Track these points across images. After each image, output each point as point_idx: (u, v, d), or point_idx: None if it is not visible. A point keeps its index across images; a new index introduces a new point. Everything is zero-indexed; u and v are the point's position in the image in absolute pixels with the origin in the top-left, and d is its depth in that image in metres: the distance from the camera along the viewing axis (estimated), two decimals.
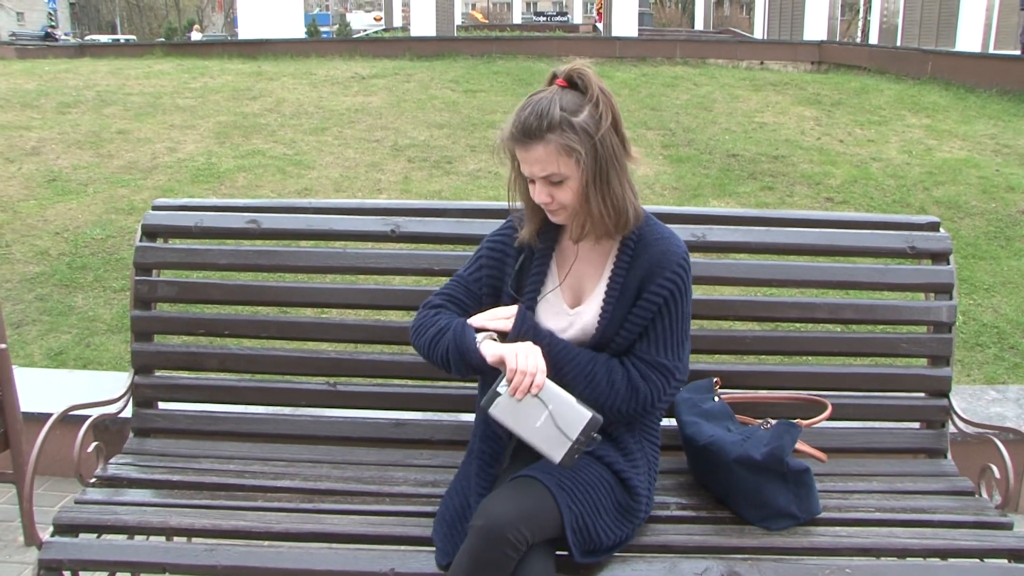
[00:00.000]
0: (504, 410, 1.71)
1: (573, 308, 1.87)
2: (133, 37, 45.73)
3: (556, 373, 1.77)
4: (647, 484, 1.90)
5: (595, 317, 1.84)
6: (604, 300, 1.83)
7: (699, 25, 31.57)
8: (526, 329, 1.80)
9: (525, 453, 1.86)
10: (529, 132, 1.71)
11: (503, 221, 1.97)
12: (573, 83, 1.75)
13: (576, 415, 1.70)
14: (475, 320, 1.83)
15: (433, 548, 1.83)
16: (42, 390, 3.09)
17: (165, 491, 2.09)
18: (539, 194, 1.77)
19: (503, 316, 1.83)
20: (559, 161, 1.72)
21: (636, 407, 1.81)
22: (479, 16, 46.50)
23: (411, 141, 7.53)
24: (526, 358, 1.71)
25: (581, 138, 1.71)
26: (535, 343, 1.77)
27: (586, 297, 1.87)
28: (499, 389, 1.71)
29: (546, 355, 1.75)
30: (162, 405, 2.36)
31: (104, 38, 39.18)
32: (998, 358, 4.10)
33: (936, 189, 6.38)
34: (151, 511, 1.97)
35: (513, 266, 1.89)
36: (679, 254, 1.82)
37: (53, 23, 48.48)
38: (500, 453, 1.88)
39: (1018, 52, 12.38)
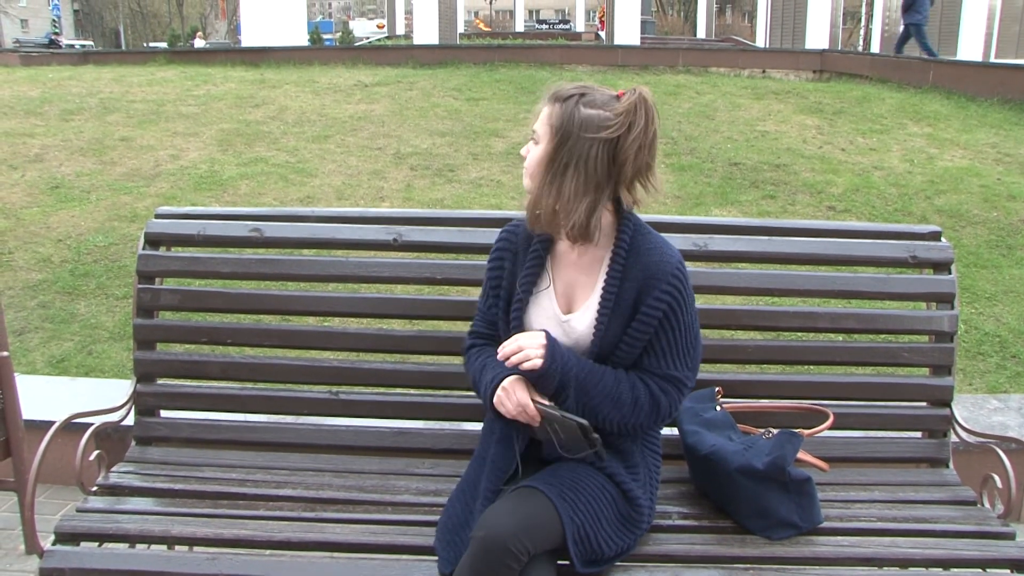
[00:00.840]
0: (542, 438, 1.85)
1: (565, 314, 1.88)
2: (91, 43, 45.98)
3: (584, 397, 1.78)
4: (648, 494, 1.90)
5: (590, 328, 1.84)
6: (599, 311, 1.83)
7: (701, 33, 31.61)
8: (555, 368, 1.77)
9: (533, 462, 1.88)
10: (548, 95, 1.82)
11: (499, 232, 2.00)
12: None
13: (570, 429, 1.75)
14: (502, 353, 1.79)
15: (434, 558, 1.83)
16: (44, 398, 3.09)
17: (167, 500, 2.09)
18: (525, 146, 1.86)
19: (532, 347, 1.77)
20: (543, 124, 1.80)
21: (657, 420, 1.85)
22: (482, 24, 46.58)
23: (413, 149, 7.54)
24: (506, 405, 1.79)
25: (567, 122, 1.75)
26: (564, 374, 1.77)
27: (578, 305, 1.88)
28: None
29: (576, 382, 1.78)
30: (164, 413, 2.36)
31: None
32: (1000, 367, 4.09)
33: (938, 198, 6.38)
34: (153, 520, 1.98)
35: (519, 263, 1.91)
36: (672, 264, 1.82)
37: (57, 30, 48.62)
38: (513, 458, 1.88)
39: (1021, 62, 12.40)
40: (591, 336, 1.84)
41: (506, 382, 1.80)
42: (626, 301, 1.81)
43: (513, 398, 1.78)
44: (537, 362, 1.75)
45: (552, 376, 1.76)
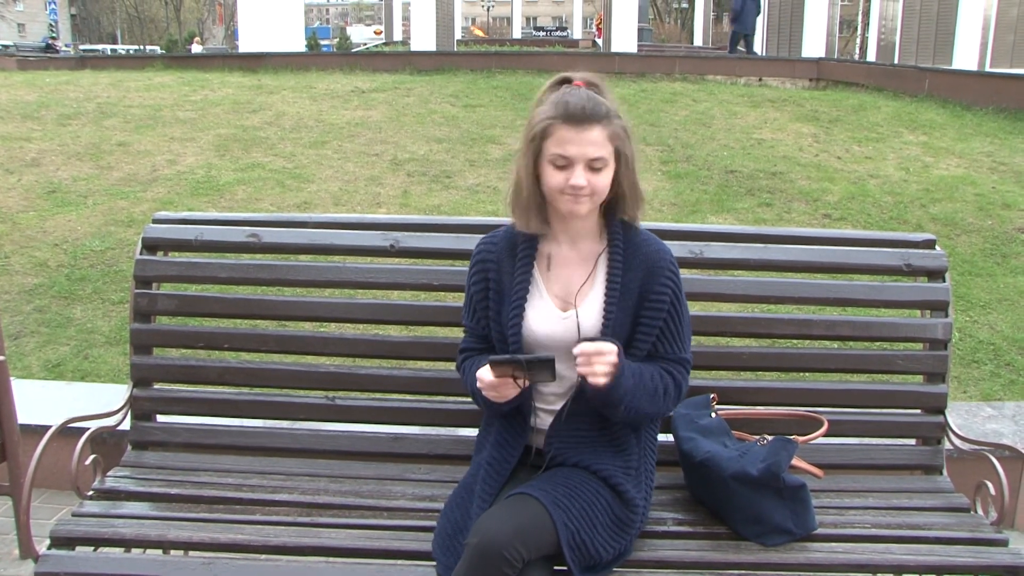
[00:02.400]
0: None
1: (565, 312, 1.88)
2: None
3: (632, 397, 1.80)
4: (644, 493, 1.91)
5: (598, 319, 1.86)
6: (606, 301, 1.86)
7: (698, 41, 31.63)
8: (619, 388, 1.78)
9: (526, 468, 1.88)
10: (588, 114, 1.78)
11: (473, 250, 2.00)
12: (592, 86, 1.86)
13: (539, 367, 1.77)
14: (578, 350, 1.79)
15: (430, 562, 1.83)
16: (40, 402, 3.09)
17: (163, 504, 2.09)
18: (578, 177, 1.79)
19: (605, 358, 1.76)
20: (606, 147, 1.80)
21: (677, 404, 1.95)
22: (479, 31, 46.64)
23: (411, 155, 7.55)
24: (492, 395, 1.81)
25: (620, 134, 1.82)
26: (625, 393, 1.79)
27: (580, 300, 1.89)
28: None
29: (625, 391, 1.79)
30: (160, 418, 2.36)
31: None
32: (994, 375, 4.11)
33: (933, 206, 6.40)
34: (149, 524, 1.98)
35: (505, 272, 1.92)
36: (668, 251, 1.92)
37: (54, 35, 48.60)
38: (507, 462, 1.90)
39: (1016, 71, 12.46)
40: (599, 327, 1.86)
41: (478, 376, 1.81)
42: (631, 291, 1.86)
43: (486, 384, 1.79)
44: (601, 380, 1.76)
45: (616, 396, 1.78)
